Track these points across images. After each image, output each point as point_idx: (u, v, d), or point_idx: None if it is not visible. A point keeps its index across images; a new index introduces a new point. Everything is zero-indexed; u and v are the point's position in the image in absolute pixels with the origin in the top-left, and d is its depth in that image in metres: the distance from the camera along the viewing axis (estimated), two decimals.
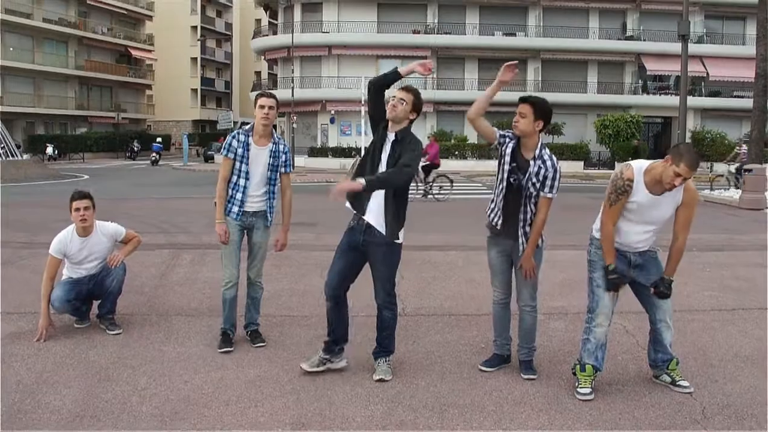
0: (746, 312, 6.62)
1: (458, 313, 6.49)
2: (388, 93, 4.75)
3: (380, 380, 4.71)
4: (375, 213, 4.66)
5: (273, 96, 5.37)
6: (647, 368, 4.86)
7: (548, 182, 4.55)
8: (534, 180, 4.55)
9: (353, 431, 3.90)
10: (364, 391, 4.50)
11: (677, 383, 4.59)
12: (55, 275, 5.67)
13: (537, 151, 4.56)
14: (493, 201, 4.78)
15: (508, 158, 4.61)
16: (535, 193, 4.59)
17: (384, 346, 4.92)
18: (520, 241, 4.70)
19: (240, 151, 5.32)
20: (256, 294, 5.64)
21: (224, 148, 5.41)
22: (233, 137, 5.38)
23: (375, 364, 4.88)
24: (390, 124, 4.71)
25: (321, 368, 4.84)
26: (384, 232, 4.64)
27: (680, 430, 3.95)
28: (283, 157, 5.47)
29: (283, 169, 5.50)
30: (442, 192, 19.96)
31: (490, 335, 5.24)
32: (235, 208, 5.38)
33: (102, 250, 5.81)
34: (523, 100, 4.55)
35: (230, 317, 5.53)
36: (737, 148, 23.37)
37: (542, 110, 4.52)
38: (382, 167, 4.65)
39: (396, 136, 4.67)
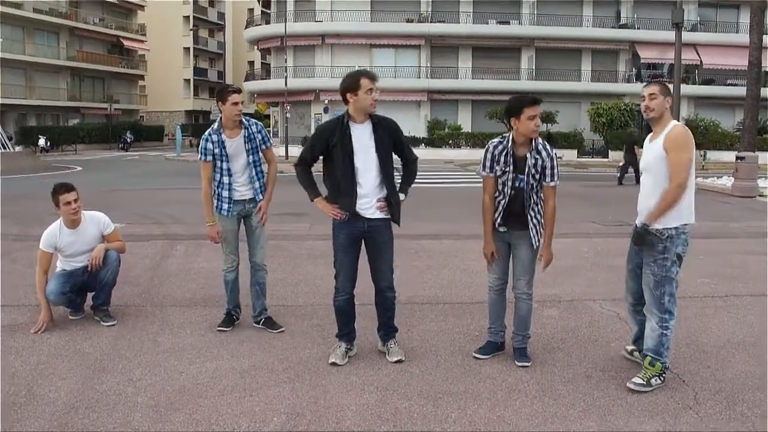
0: (738, 299, 6.66)
1: (452, 302, 6.51)
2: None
3: (398, 361, 4.82)
4: (372, 207, 4.74)
5: (240, 90, 5.44)
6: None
7: (548, 171, 4.60)
8: (533, 171, 4.60)
9: (348, 420, 3.91)
10: (358, 379, 4.52)
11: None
12: (48, 269, 5.65)
13: (532, 145, 4.60)
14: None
15: (510, 167, 4.63)
16: (536, 185, 4.64)
17: (391, 326, 5.03)
18: (531, 234, 4.71)
19: (217, 151, 5.36)
20: (263, 279, 5.67)
21: (201, 153, 5.41)
22: (206, 140, 5.39)
23: (386, 346, 4.99)
24: (358, 115, 4.69)
25: (347, 359, 4.89)
26: (392, 218, 4.80)
27: (672, 416, 3.98)
28: (259, 136, 5.51)
29: (263, 146, 5.53)
30: None
31: (484, 323, 5.26)
32: (226, 205, 5.45)
33: (91, 240, 5.77)
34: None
35: (233, 298, 5.69)
36: None
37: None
38: (371, 155, 4.68)
39: (372, 120, 4.71)
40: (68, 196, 5.55)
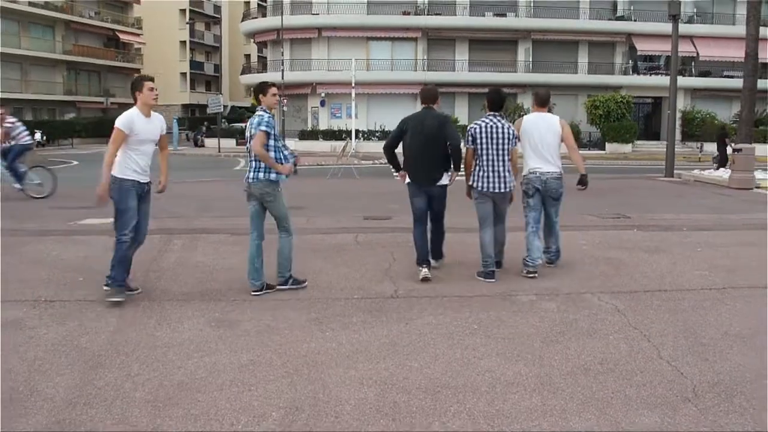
0: (736, 290, 6.66)
1: (450, 295, 6.49)
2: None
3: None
4: None
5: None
6: (639, 347, 4.94)
7: None
8: None
9: (347, 414, 3.91)
10: (357, 373, 4.51)
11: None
12: (118, 149, 6.06)
13: None
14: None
15: None
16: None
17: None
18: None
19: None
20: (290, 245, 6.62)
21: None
22: (268, 125, 6.35)
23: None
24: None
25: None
26: None
27: (671, 408, 3.98)
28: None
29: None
30: None
31: (483, 316, 5.28)
32: (273, 175, 6.38)
33: (156, 131, 6.35)
34: None
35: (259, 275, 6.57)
36: None
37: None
38: None
39: None
40: (152, 84, 6.17)
